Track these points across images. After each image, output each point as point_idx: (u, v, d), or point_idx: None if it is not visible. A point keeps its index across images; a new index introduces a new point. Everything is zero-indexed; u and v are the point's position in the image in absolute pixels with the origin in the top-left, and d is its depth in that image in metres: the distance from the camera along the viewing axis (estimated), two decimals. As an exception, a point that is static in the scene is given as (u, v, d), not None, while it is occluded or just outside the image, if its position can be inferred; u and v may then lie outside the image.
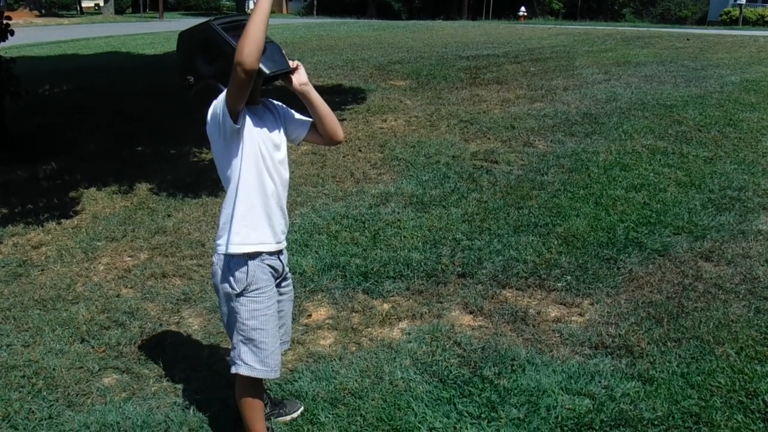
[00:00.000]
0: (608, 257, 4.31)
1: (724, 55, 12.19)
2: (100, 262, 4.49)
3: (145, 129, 7.58)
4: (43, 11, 36.51)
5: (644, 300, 3.83)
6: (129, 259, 4.52)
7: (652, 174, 5.78)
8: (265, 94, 2.43)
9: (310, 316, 3.70)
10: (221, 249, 2.37)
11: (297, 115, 2.51)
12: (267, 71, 2.20)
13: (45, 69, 12.16)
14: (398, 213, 4.94)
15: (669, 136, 6.81)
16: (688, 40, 14.52)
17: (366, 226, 4.73)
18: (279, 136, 2.41)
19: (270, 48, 2.22)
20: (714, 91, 8.78)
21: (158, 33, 21.03)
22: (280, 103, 2.51)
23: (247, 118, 2.27)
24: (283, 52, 2.32)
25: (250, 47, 2.05)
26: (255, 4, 2.13)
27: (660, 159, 6.13)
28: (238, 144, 2.27)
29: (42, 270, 4.43)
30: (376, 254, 4.31)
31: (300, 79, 2.37)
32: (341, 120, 6.24)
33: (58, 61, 14.02)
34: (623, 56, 11.90)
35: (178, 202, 5.40)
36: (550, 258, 4.30)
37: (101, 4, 39.35)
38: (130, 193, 5.70)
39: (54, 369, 3.25)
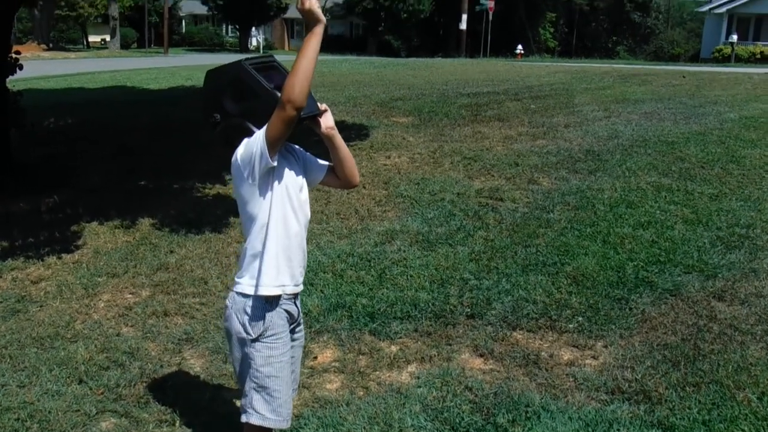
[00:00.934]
0: (619, 297, 4.24)
1: (721, 92, 12.29)
2: (100, 299, 4.40)
3: (149, 163, 7.55)
4: (51, 45, 36.95)
5: (659, 342, 3.75)
6: (130, 296, 4.43)
7: (658, 211, 5.73)
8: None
9: (315, 358, 3.60)
10: (239, 288, 2.32)
11: (315, 159, 2.51)
12: (302, 114, 2.19)
13: (51, 102, 12.21)
14: (404, 251, 4.87)
15: (673, 173, 6.80)
16: (683, 77, 14.67)
17: (372, 264, 4.66)
18: (302, 178, 2.42)
19: None
20: (714, 128, 8.81)
21: (163, 68, 21.20)
22: (297, 146, 2.49)
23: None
24: (313, 95, 2.31)
25: (302, 85, 2.07)
26: (304, 42, 2.13)
27: (665, 196, 6.10)
28: (267, 184, 2.25)
29: (41, 306, 4.33)
30: (382, 294, 4.23)
31: (327, 123, 2.38)
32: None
33: (64, 95, 14.09)
34: (621, 93, 11.99)
35: (181, 238, 5.33)
36: (560, 298, 4.22)
37: (107, 39, 39.92)
38: (132, 227, 5.63)
39: (50, 412, 3.14)
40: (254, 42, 42.16)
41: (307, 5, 2.10)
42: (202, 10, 43.36)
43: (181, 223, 5.67)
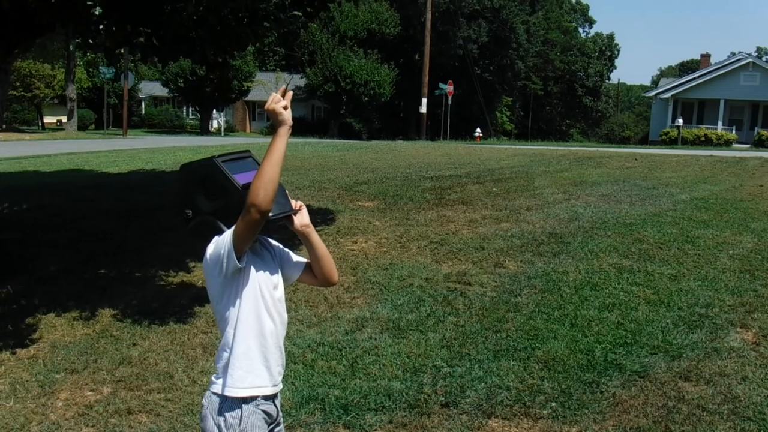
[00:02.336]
0: (590, 381, 4.28)
1: (672, 174, 12.83)
2: (58, 398, 4.20)
3: (109, 250, 7.41)
4: (4, 126, 36.44)
5: (632, 425, 3.80)
6: (90, 393, 4.24)
7: (621, 293, 5.85)
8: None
9: (289, 455, 3.48)
10: (216, 388, 2.26)
11: (292, 256, 2.48)
12: (271, 215, 2.18)
13: (3, 185, 11.99)
14: (375, 339, 4.83)
15: (632, 254, 6.98)
16: (636, 159, 15.31)
17: (343, 354, 4.59)
18: (277, 276, 2.38)
19: None
20: (668, 210, 9.15)
21: (122, 150, 21.14)
22: (275, 242, 2.47)
23: (248, 259, 2.23)
24: (286, 192, 2.32)
25: (266, 189, 2.04)
26: (270, 145, 2.11)
27: (627, 278, 6.24)
28: (238, 284, 2.23)
29: (-6, 408, 4.11)
30: (355, 384, 4.16)
31: (302, 220, 2.36)
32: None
33: (18, 178, 13.86)
34: (579, 176, 12.41)
35: (144, 330, 5.19)
36: (532, 383, 4.22)
37: (64, 120, 39.65)
38: (92, 319, 5.47)
39: None
40: (215, 124, 42.59)
41: (270, 106, 2.11)
42: (163, 91, 43.70)
43: (143, 313, 5.53)
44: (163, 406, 4.02)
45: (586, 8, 59.89)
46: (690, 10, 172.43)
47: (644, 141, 37.04)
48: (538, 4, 48.88)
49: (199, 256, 6.95)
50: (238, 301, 2.22)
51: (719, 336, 5.02)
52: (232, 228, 2.15)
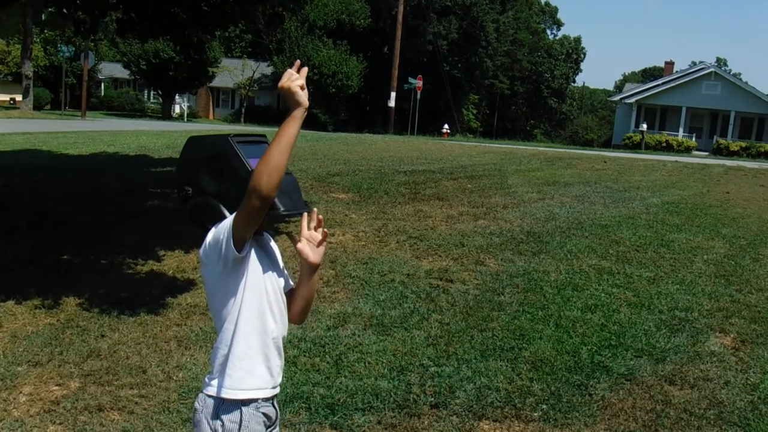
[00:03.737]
0: (579, 383, 4.22)
1: (641, 178, 12.99)
2: (21, 392, 3.91)
3: (73, 235, 7.05)
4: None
5: (622, 429, 3.78)
6: (57, 388, 3.96)
7: (603, 294, 5.83)
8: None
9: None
10: (211, 390, 2.06)
11: (286, 273, 2.24)
12: (281, 209, 1.99)
13: (-44, 166, 11.40)
14: (359, 336, 4.67)
15: (611, 255, 6.98)
16: (605, 162, 15.48)
17: (326, 350, 4.42)
18: (282, 272, 2.18)
19: (286, 180, 1.97)
20: (641, 212, 9.22)
21: (81, 132, 20.39)
22: (275, 246, 2.26)
23: (252, 251, 2.03)
24: (299, 187, 2.12)
25: (270, 174, 1.84)
26: (281, 126, 1.90)
27: (607, 279, 6.22)
28: (240, 276, 2.03)
29: (-49, 402, 3.80)
30: (341, 383, 3.99)
31: (317, 257, 2.12)
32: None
33: (-30, 159, 13.21)
34: (551, 176, 12.45)
35: (113, 320, 4.91)
36: (522, 385, 4.13)
37: (18, 98, 38.10)
38: (55, 308, 5.15)
39: None
40: (177, 109, 41.66)
41: (286, 84, 1.88)
42: (124, 74, 42.50)
43: (112, 303, 5.24)
44: (136, 402, 3.78)
45: (555, 10, 60.63)
46: (653, 19, 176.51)
47: (607, 144, 37.64)
48: (509, 4, 49.18)
49: (170, 244, 6.63)
50: (239, 295, 2.03)
51: (700, 340, 5.04)
52: (233, 216, 1.96)
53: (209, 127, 27.51)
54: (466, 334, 4.80)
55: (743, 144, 32.37)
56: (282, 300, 2.15)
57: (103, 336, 4.64)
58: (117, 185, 9.42)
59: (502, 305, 5.41)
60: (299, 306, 2.21)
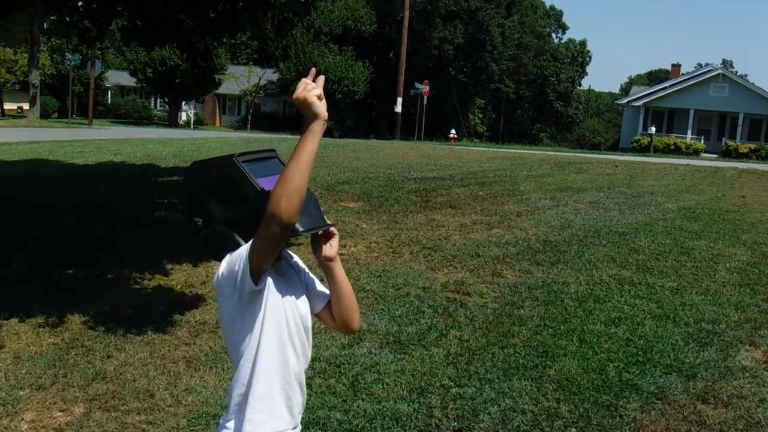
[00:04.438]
0: (608, 403, 4.02)
1: (654, 183, 12.76)
2: (23, 419, 3.73)
3: (78, 248, 6.89)
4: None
5: (657, 456, 3.53)
6: (60, 414, 3.77)
7: (626, 306, 5.63)
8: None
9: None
10: None
11: (317, 282, 2.07)
12: (301, 228, 1.80)
13: (-38, 177, 11.28)
14: (375, 354, 4.47)
15: (630, 265, 6.77)
16: (616, 167, 15.24)
17: (342, 371, 4.22)
18: (304, 300, 1.99)
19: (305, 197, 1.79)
20: (658, 219, 9.00)
21: (88, 141, 20.29)
22: (298, 261, 2.07)
23: (270, 279, 1.84)
24: (318, 203, 1.93)
25: (290, 198, 1.66)
26: (299, 142, 1.71)
27: (629, 290, 6.02)
28: (257, 309, 1.85)
29: (-50, 429, 3.63)
30: (358, 406, 3.80)
31: (331, 250, 1.94)
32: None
33: (-23, 169, 13.10)
34: (563, 182, 12.23)
35: (119, 340, 4.72)
36: (548, 406, 3.93)
37: (26, 107, 38.14)
38: (60, 326, 4.97)
39: None
40: (184, 117, 41.62)
41: (301, 95, 1.71)
42: (130, 81, 42.52)
43: (118, 320, 5.06)
44: (144, 429, 3.59)
45: (560, 14, 60.41)
46: (658, 21, 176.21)
47: (615, 147, 37.37)
48: (514, 8, 49.00)
49: (177, 257, 6.43)
50: (257, 328, 1.85)
51: (730, 354, 4.84)
52: (248, 244, 1.78)
53: (216, 134, 27.40)
54: (487, 352, 4.60)
55: (752, 146, 32.05)
56: (303, 331, 1.96)
57: (109, 357, 4.46)
58: (124, 195, 9.26)
59: (523, 319, 5.21)
60: (342, 309, 2.00)
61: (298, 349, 1.93)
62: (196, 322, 5.04)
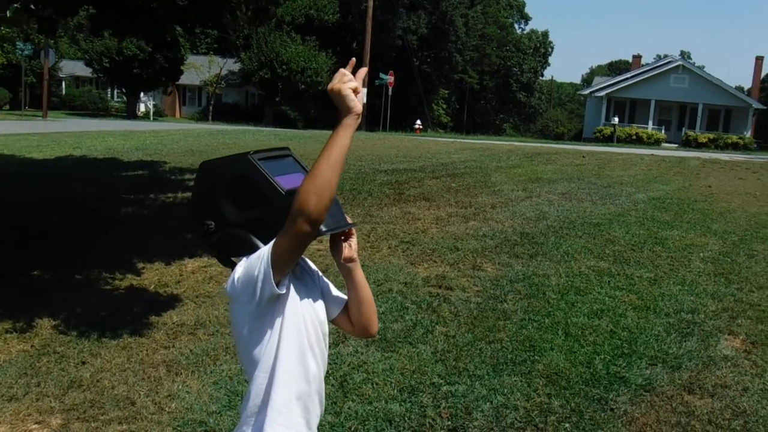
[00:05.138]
0: (598, 397, 4.01)
1: (622, 173, 12.92)
2: (-4, 431, 3.54)
3: (43, 248, 6.61)
4: None
5: (652, 449, 3.53)
6: (36, 426, 3.57)
7: (607, 298, 5.65)
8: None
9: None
10: None
11: (332, 287, 1.98)
12: (324, 229, 1.70)
13: None
14: (362, 353, 4.38)
15: (607, 256, 6.81)
16: (583, 157, 15.40)
17: (329, 371, 4.06)
18: (321, 305, 1.89)
19: None
20: (630, 209, 9.09)
21: (45, 134, 19.57)
22: (311, 264, 1.97)
23: (291, 284, 1.74)
24: (339, 203, 1.83)
25: (320, 194, 1.56)
26: (330, 137, 1.60)
27: (609, 281, 6.05)
28: (276, 315, 1.74)
29: None
30: (349, 408, 3.70)
31: (351, 251, 1.87)
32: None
33: (-74, 165, 12.52)
34: (533, 173, 12.29)
35: (94, 344, 4.52)
36: (540, 402, 3.90)
37: (-27, 97, 36.73)
38: (29, 331, 4.74)
39: None
40: (143, 108, 40.63)
41: (336, 86, 1.61)
42: (86, 71, 41.19)
43: (90, 324, 4.84)
44: (126, 438, 3.43)
45: (522, 5, 60.76)
46: (619, 13, 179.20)
47: (578, 137, 37.88)
48: (477, -2, 49.15)
49: (148, 255, 6.21)
50: (275, 337, 1.74)
51: (711, 344, 4.89)
52: (270, 245, 1.67)
53: (178, 126, 26.81)
54: (474, 347, 4.55)
55: (711, 135, 32.84)
56: (322, 337, 1.87)
57: (83, 363, 4.26)
58: (88, 191, 8.95)
59: (507, 313, 5.17)
60: (361, 314, 1.92)
61: (318, 357, 1.83)
62: (173, 323, 4.87)
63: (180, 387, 3.95)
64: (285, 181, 1.75)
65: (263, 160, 1.78)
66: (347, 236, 1.87)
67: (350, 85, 1.60)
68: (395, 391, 3.93)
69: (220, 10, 4.82)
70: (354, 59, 1.71)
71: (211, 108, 41.94)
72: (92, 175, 10.49)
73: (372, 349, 4.47)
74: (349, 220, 1.87)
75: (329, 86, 1.63)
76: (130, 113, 38.07)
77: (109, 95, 44.96)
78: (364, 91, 1.64)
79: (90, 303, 5.28)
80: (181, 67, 37.88)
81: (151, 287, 5.61)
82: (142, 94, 39.57)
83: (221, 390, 3.92)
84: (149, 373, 4.12)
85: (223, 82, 43.47)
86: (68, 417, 3.64)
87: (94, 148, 14.45)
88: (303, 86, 38.03)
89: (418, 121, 31.40)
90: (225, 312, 5.09)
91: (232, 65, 42.92)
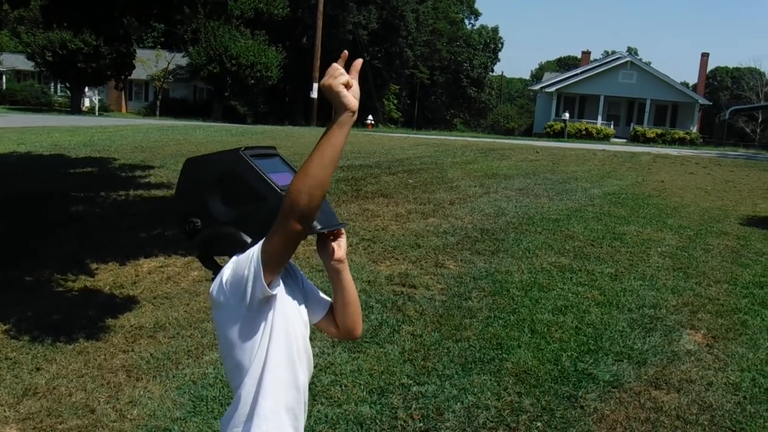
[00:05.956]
0: (568, 395, 4.02)
1: (576, 168, 13.15)
2: (-57, 445, 3.32)
3: (-14, 249, 6.28)
4: None
5: (623, 445, 3.56)
6: (-12, 437, 3.39)
7: (570, 294, 5.69)
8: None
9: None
10: None
11: (318, 292, 1.91)
12: (318, 226, 1.65)
13: None
14: (328, 354, 4.29)
15: (568, 252, 6.88)
16: (537, 152, 15.62)
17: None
18: (305, 308, 1.82)
19: None
20: (587, 205, 9.23)
21: (-17, 130, 18.76)
22: (296, 267, 1.89)
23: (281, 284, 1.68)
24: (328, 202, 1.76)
25: (312, 194, 1.50)
26: (324, 133, 1.53)
27: (571, 277, 6.10)
28: (265, 318, 1.65)
29: None
30: (319, 411, 3.61)
31: (340, 252, 1.81)
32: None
33: None
34: (489, 168, 12.38)
35: (48, 349, 4.30)
36: (511, 401, 3.89)
37: None
38: (-25, 337, 4.49)
39: None
40: (87, 103, 39.34)
41: (327, 81, 1.53)
42: (27, 65, 39.67)
43: (44, 328, 4.62)
44: (86, 450, 3.27)
45: (472, 0, 61.32)
46: (567, 9, 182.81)
47: (528, 132, 38.49)
48: (428, -6, 49.33)
49: (101, 255, 5.97)
50: (265, 341, 1.66)
51: (674, 339, 4.97)
52: (258, 245, 1.59)
53: (125, 121, 26.03)
54: (441, 346, 4.52)
55: (659, 131, 33.82)
56: (308, 341, 1.79)
57: (38, 369, 4.05)
58: (35, 189, 8.57)
59: (472, 311, 5.16)
60: (346, 316, 1.86)
61: (304, 362, 1.76)
62: (131, 326, 4.68)
63: (141, 393, 3.79)
64: (277, 179, 1.70)
65: (254, 158, 1.72)
66: (336, 236, 1.82)
67: (341, 80, 1.52)
68: (364, 392, 3.86)
69: (179, 4, 4.63)
70: (346, 52, 1.63)
71: (158, 103, 40.91)
72: (38, 173, 10.05)
73: (339, 349, 4.38)
74: (340, 220, 1.80)
75: (321, 82, 1.56)
76: (75, 108, 36.80)
77: (52, 90, 43.37)
78: (357, 86, 1.58)
79: (42, 306, 5.03)
80: (133, 62, 36.76)
81: (106, 289, 5.39)
82: (86, 89, 38.27)
83: (185, 395, 3.78)
84: (108, 378, 3.94)
85: (170, 77, 42.46)
86: (24, 426, 3.44)
87: (39, 144, 13.87)
88: (252, 81, 37.48)
89: (370, 117, 31.30)
90: (185, 314, 4.93)
91: (179, 60, 41.97)
